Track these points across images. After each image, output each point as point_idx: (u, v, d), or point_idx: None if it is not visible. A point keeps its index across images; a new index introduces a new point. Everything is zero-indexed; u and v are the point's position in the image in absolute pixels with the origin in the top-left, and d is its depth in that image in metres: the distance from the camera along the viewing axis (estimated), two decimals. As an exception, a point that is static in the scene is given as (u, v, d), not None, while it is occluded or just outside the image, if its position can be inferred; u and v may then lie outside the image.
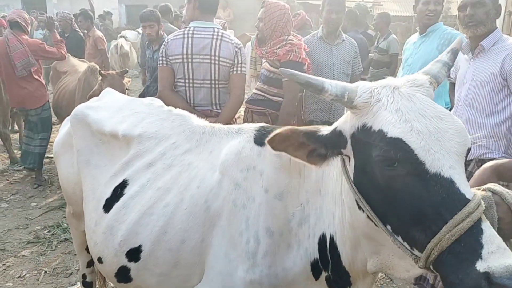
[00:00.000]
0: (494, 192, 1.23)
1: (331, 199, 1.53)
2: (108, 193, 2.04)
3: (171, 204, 1.83)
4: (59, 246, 4.14)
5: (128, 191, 1.97)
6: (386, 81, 1.33)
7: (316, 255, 1.60)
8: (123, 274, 1.95)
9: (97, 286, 3.00)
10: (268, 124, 1.92)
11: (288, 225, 1.64)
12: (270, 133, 1.74)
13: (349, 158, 1.36)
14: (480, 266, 1.06)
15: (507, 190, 1.22)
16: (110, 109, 2.32)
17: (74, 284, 3.50)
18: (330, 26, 3.94)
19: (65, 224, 4.44)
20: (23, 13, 5.65)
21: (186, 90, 3.31)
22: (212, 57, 3.23)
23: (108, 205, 2.02)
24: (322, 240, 1.58)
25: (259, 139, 1.76)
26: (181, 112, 2.15)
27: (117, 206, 1.97)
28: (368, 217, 1.31)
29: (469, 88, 2.67)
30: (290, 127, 1.38)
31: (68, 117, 2.60)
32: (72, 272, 3.69)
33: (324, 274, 1.62)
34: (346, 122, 1.37)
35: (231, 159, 1.78)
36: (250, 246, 1.65)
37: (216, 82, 3.30)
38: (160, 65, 3.35)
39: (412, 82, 1.31)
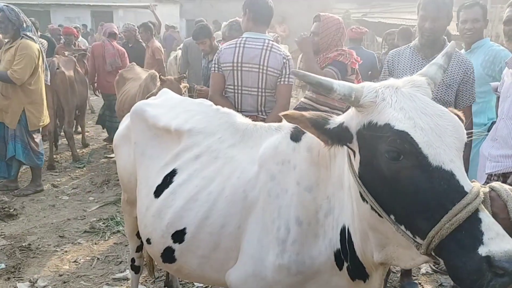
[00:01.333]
0: (492, 189, 1.30)
1: (347, 192, 1.65)
2: (159, 181, 2.26)
3: (214, 192, 2.01)
4: (111, 237, 4.45)
5: (177, 179, 2.18)
6: (388, 82, 1.44)
7: (338, 245, 1.72)
8: (168, 254, 2.15)
9: (144, 275, 3.23)
10: None
11: (316, 216, 1.76)
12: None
13: (354, 153, 1.48)
14: (482, 250, 1.16)
15: (506, 188, 1.29)
16: (165, 106, 2.56)
17: (124, 271, 3.77)
18: (423, 36, 3.10)
19: (119, 218, 4.77)
20: (115, 26, 8.40)
21: (234, 96, 3.53)
22: (261, 67, 3.42)
23: (158, 191, 2.23)
24: (343, 231, 1.69)
25: (295, 136, 1.91)
26: (227, 111, 2.35)
27: (166, 192, 2.18)
28: (372, 208, 1.41)
29: None
30: (300, 113, 1.50)
31: (128, 113, 2.88)
32: (122, 261, 3.97)
33: (345, 265, 1.73)
34: (352, 119, 1.48)
35: (269, 153, 1.94)
36: (281, 233, 1.79)
37: (263, 90, 3.48)
38: (213, 71, 3.59)
39: (412, 83, 1.42)
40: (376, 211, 1.41)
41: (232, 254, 1.98)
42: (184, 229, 2.06)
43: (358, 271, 1.71)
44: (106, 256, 4.06)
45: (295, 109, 3.87)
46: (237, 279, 1.94)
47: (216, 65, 3.56)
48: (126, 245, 4.14)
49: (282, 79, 3.47)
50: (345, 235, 1.68)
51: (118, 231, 4.54)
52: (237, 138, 2.16)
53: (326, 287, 1.83)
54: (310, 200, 1.78)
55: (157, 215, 2.18)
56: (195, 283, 3.59)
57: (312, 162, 1.80)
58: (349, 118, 1.50)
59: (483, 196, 1.25)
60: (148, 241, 2.26)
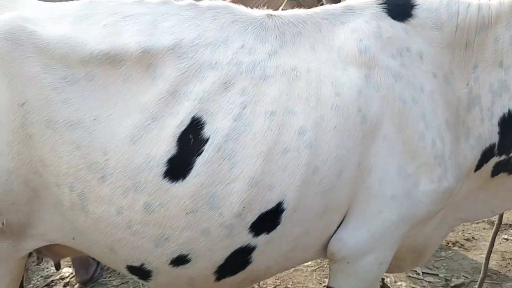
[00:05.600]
0: None
1: None
2: (164, 149, 1.19)
3: (308, 127, 1.23)
4: None
5: (214, 133, 1.20)
6: None
7: (494, 139, 1.39)
8: (236, 262, 1.25)
9: None
10: None
11: (456, 113, 1.36)
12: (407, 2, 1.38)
13: None
14: None
15: None
16: (62, 19, 1.28)
17: None
18: None
19: None
20: None
21: None
22: None
23: (177, 168, 1.19)
24: (507, 119, 1.38)
25: (399, 13, 1.34)
26: (218, 4, 1.38)
27: (204, 160, 1.19)
28: None
29: None
30: None
31: None
32: None
33: (494, 160, 1.43)
34: None
35: (372, 45, 1.30)
36: (438, 148, 1.30)
37: None
38: None
39: None
40: None
41: (338, 214, 1.34)
42: (280, 204, 1.22)
43: None
44: None
45: None
46: (365, 238, 1.34)
47: None
48: None
49: None
50: (509, 124, 1.37)
51: None
52: (274, 42, 1.33)
53: (455, 198, 1.49)
54: (452, 93, 1.34)
55: (204, 206, 1.18)
56: None
57: (444, 42, 1.33)
58: None
59: None
60: (183, 260, 1.23)
